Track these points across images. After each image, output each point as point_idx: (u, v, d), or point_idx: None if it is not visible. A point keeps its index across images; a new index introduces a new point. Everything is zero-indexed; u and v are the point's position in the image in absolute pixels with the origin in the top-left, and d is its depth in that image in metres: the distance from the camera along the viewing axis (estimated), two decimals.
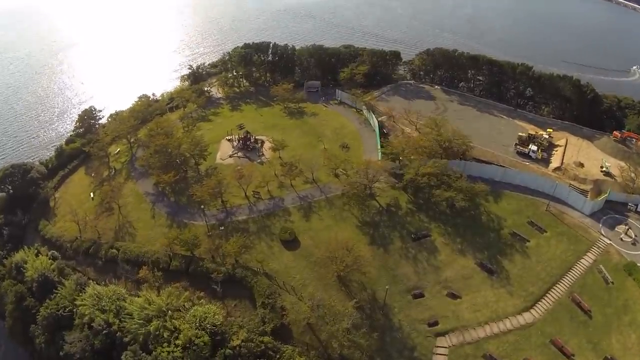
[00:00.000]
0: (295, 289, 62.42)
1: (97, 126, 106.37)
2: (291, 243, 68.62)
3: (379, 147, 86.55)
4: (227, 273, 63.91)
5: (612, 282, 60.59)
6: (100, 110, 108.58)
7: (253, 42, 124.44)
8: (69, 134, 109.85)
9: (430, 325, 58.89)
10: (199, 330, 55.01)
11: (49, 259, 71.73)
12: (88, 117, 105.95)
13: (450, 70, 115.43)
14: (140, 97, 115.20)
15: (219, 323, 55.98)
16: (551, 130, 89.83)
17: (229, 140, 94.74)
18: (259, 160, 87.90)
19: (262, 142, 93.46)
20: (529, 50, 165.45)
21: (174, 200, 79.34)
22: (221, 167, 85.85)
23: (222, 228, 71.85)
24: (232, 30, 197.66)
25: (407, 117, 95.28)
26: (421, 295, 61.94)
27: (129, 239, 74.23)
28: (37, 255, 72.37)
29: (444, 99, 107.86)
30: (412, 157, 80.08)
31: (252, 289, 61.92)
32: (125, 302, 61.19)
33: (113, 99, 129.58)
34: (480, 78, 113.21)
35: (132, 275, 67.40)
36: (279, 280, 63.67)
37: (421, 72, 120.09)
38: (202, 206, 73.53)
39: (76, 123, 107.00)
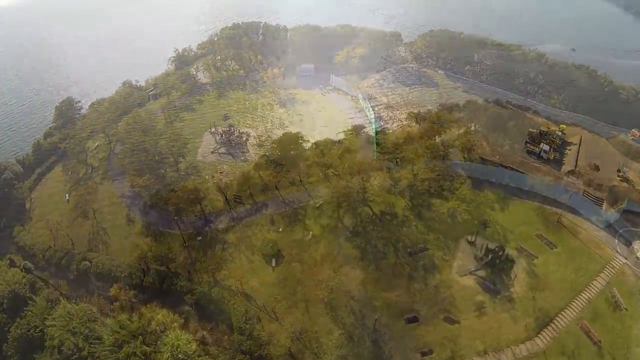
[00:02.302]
0: (277, 312, 57.20)
1: (77, 116, 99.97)
2: (274, 257, 62.96)
3: (375, 145, 79.15)
4: (203, 292, 58.91)
5: (626, 309, 54.25)
6: (78, 102, 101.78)
7: (242, 22, 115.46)
8: (47, 127, 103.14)
9: (423, 354, 53.63)
10: None
11: (22, 270, 68.20)
12: (66, 109, 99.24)
13: (455, 53, 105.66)
14: (123, 83, 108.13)
15: (191, 352, 51.71)
16: (564, 126, 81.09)
17: (212, 133, 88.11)
18: (242, 158, 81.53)
19: (248, 136, 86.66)
20: (536, 27, 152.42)
21: (150, 205, 73.66)
22: (202, 165, 79.90)
23: (200, 239, 66.49)
24: (229, 8, 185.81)
25: (407, 108, 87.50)
26: (415, 320, 56.31)
27: (103, 248, 69.82)
28: (10, 266, 68.42)
29: (447, 85, 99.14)
30: (411, 157, 72.88)
31: (229, 312, 56.99)
32: (96, 323, 57.38)
33: (100, 84, 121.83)
34: (488, 62, 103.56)
35: (105, 291, 63.17)
36: (259, 301, 58.44)
37: (423, 55, 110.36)
38: (175, 217, 67.57)
39: (54, 115, 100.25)
